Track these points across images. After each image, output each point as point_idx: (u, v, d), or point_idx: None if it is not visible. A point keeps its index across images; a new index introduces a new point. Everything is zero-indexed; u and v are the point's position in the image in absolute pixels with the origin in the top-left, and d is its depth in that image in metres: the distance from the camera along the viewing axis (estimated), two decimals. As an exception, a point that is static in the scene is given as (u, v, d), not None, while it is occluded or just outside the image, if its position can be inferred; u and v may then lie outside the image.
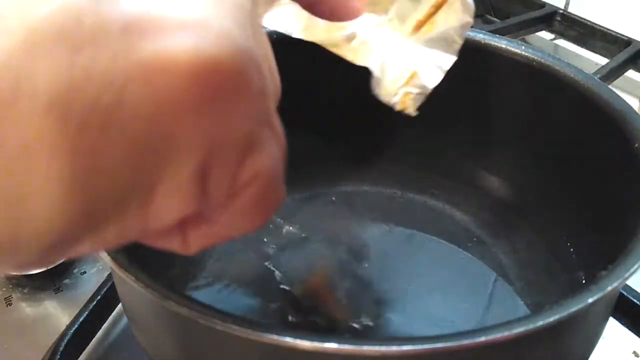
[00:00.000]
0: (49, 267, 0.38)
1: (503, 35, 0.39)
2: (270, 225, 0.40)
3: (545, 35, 0.68)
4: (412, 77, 0.31)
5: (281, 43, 0.38)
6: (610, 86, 0.33)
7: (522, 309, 0.34)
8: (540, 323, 0.20)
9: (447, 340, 0.20)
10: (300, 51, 0.39)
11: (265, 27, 0.38)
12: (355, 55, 0.33)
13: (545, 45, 0.68)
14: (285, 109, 0.43)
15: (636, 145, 0.29)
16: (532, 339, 0.21)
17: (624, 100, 0.31)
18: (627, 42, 0.59)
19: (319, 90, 0.41)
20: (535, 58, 0.35)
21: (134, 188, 0.14)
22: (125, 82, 0.13)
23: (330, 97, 0.41)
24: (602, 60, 0.59)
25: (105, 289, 0.34)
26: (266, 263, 0.38)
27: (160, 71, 0.13)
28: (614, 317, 0.34)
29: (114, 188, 0.14)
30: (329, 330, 0.33)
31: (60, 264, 0.39)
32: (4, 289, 0.38)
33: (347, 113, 0.42)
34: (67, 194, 0.13)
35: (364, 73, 0.41)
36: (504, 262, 0.37)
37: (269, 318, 0.33)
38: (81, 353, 0.33)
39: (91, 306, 0.33)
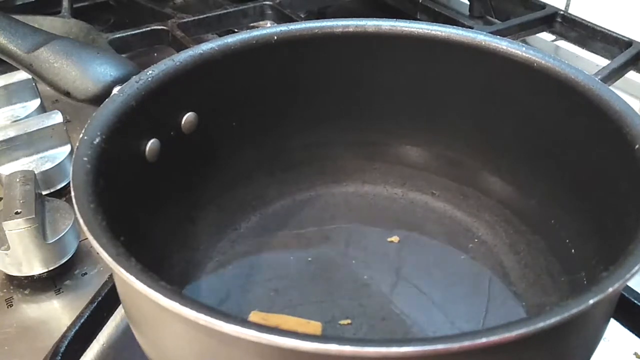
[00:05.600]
0: (49, 269, 0.38)
1: (504, 36, 0.39)
2: (271, 227, 0.40)
3: (546, 36, 0.68)
4: None
5: (284, 43, 0.38)
6: (611, 87, 0.33)
7: (523, 310, 0.34)
8: (541, 324, 0.20)
9: (447, 341, 0.20)
10: (301, 51, 0.39)
11: (265, 27, 0.39)
12: None
13: (546, 46, 0.68)
14: (287, 110, 0.44)
15: (637, 146, 0.29)
16: (533, 340, 0.21)
17: (625, 102, 0.31)
18: (628, 43, 0.59)
19: (320, 91, 0.41)
20: (536, 59, 0.35)
21: None
22: None
23: (330, 99, 0.41)
24: (603, 62, 0.59)
25: (106, 290, 0.34)
26: (265, 265, 0.38)
27: None
28: (615, 319, 0.33)
29: None
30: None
31: (61, 265, 0.39)
32: (5, 290, 0.38)
33: (348, 114, 0.42)
34: None
35: (365, 74, 0.41)
36: (505, 263, 0.37)
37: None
38: (82, 354, 0.33)
39: (92, 307, 0.33)
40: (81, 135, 0.29)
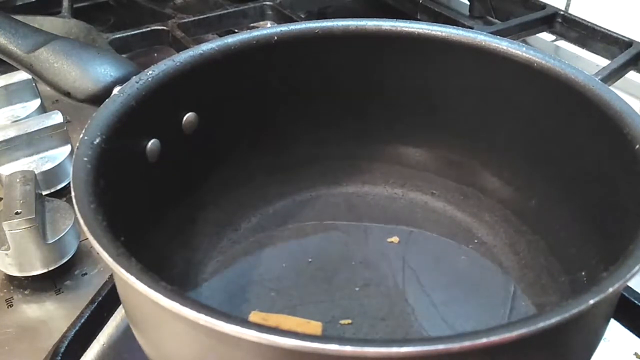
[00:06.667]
0: (49, 269, 0.38)
1: (504, 36, 0.39)
2: (271, 227, 0.40)
3: (546, 36, 0.68)
4: None
5: (284, 44, 0.38)
6: (611, 87, 0.33)
7: (523, 310, 0.34)
8: (541, 324, 0.20)
9: (448, 341, 0.20)
10: (301, 52, 0.39)
11: (265, 28, 0.39)
12: None
13: (546, 46, 0.68)
14: (287, 110, 0.44)
15: (637, 146, 0.29)
16: (533, 340, 0.21)
17: (625, 102, 0.31)
18: (628, 43, 0.59)
19: (320, 91, 0.41)
20: (536, 59, 0.35)
21: None
22: None
23: (331, 99, 0.41)
24: (603, 62, 0.59)
25: (106, 290, 0.34)
26: (265, 265, 0.38)
27: None
28: (616, 319, 0.33)
29: None
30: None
31: (62, 265, 0.39)
32: (5, 290, 0.38)
33: (348, 114, 0.42)
34: None
35: (365, 74, 0.41)
36: (505, 263, 0.37)
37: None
38: (82, 355, 0.33)
39: (92, 308, 0.33)
40: (81, 136, 0.29)
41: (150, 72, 0.34)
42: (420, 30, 0.39)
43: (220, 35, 0.46)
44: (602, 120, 0.31)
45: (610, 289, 0.22)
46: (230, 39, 0.37)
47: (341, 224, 0.40)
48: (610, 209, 0.31)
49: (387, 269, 0.37)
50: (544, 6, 0.66)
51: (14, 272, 0.38)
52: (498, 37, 0.37)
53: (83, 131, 0.29)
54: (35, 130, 0.45)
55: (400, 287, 0.36)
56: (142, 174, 0.33)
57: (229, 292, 0.35)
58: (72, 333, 0.32)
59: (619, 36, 0.60)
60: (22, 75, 0.51)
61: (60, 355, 0.31)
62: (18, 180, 0.39)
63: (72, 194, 0.26)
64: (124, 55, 0.43)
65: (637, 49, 0.58)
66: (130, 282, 0.22)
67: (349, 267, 0.37)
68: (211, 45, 0.36)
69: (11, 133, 0.45)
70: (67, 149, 0.47)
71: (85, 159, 0.28)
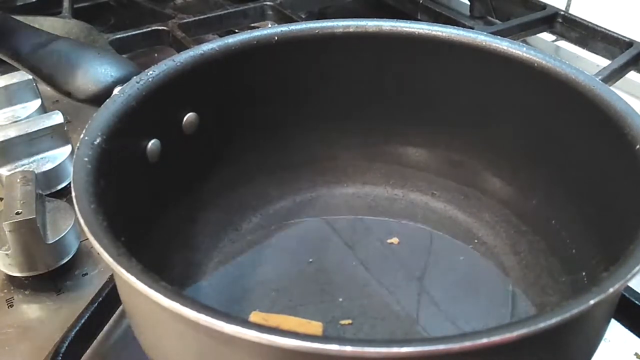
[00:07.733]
0: (50, 269, 0.38)
1: (504, 36, 0.39)
2: (271, 227, 0.40)
3: (547, 36, 0.68)
4: None
5: (284, 44, 0.38)
6: (611, 87, 0.33)
7: (524, 311, 0.34)
8: (541, 324, 0.20)
9: (448, 341, 0.20)
10: (302, 52, 0.39)
11: (266, 28, 0.39)
12: None
13: (547, 46, 0.68)
14: (287, 110, 0.44)
15: (637, 146, 0.29)
16: (534, 340, 0.21)
17: (626, 102, 0.31)
18: (629, 43, 0.59)
19: (320, 91, 0.41)
20: (537, 59, 0.35)
21: None
22: None
23: (331, 99, 0.41)
24: (604, 62, 0.59)
25: (106, 290, 0.34)
26: (265, 265, 0.38)
27: None
28: (616, 319, 0.33)
29: None
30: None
31: (62, 265, 0.39)
32: (6, 290, 0.38)
33: (348, 115, 0.42)
34: None
35: (366, 74, 0.41)
36: (505, 263, 0.37)
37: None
38: (82, 355, 0.33)
39: (92, 308, 0.33)
40: (82, 136, 0.29)
41: (150, 72, 0.34)
42: (421, 31, 0.39)
43: (221, 36, 0.47)
44: (602, 121, 0.31)
45: (611, 289, 0.22)
46: (230, 39, 0.37)
47: (341, 224, 0.40)
48: (610, 209, 0.31)
49: (387, 269, 0.37)
50: (545, 6, 0.66)
51: (15, 272, 0.38)
52: (498, 37, 0.37)
53: (83, 131, 0.29)
54: (35, 131, 0.45)
55: (400, 287, 0.36)
56: (142, 174, 0.33)
57: (229, 292, 0.35)
58: (73, 333, 0.32)
59: (620, 36, 0.60)
60: (22, 76, 0.51)
61: (61, 355, 0.31)
62: (18, 180, 0.39)
63: (73, 194, 0.26)
64: (124, 56, 0.43)
65: (638, 49, 0.58)
66: (130, 282, 0.22)
67: (350, 267, 0.37)
68: (212, 45, 0.37)
69: (11, 133, 0.45)
70: (67, 149, 0.47)
71: (86, 159, 0.28)
